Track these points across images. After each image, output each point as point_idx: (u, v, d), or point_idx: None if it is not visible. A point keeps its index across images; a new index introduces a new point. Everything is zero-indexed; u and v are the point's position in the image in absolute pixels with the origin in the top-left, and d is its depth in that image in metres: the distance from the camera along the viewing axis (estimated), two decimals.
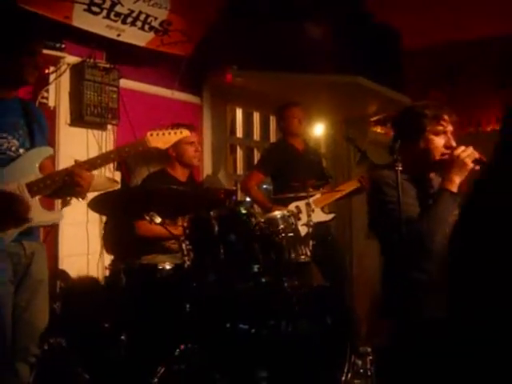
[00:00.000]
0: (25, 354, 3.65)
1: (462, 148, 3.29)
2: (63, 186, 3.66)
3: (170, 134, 3.93)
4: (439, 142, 3.38)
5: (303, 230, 5.60)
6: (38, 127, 3.77)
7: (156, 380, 4.18)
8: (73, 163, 3.77)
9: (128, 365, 4.35)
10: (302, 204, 5.94)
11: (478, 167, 3.26)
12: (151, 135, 3.86)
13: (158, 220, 4.26)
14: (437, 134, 3.38)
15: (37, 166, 3.65)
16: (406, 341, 3.29)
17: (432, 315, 3.14)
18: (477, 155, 3.26)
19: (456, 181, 3.25)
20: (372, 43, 8.26)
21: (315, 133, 7.58)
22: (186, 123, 5.42)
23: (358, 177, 6.32)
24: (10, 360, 3.60)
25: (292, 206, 6.02)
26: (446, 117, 3.40)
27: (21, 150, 3.64)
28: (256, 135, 8.09)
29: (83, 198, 3.85)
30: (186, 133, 4.03)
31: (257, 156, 7.97)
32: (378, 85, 7.83)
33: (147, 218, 4.26)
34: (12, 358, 3.61)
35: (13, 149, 3.62)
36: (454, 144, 3.37)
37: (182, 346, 4.22)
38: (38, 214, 3.61)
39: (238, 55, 6.90)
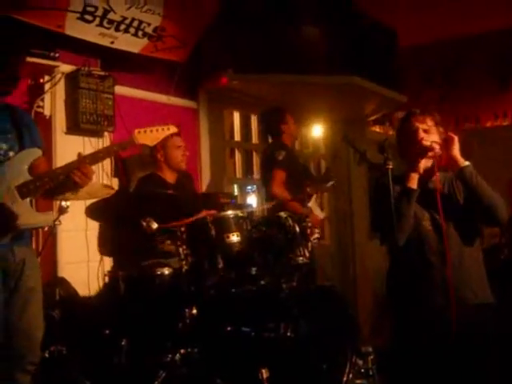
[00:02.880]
0: (22, 363, 3.64)
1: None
2: (60, 183, 3.65)
3: (157, 130, 3.93)
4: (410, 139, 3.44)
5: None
6: (26, 131, 3.77)
7: None
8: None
9: (129, 371, 4.36)
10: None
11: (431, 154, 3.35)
12: (139, 133, 3.87)
13: (155, 226, 4.28)
14: (406, 133, 3.47)
15: (26, 168, 3.64)
16: (407, 340, 3.33)
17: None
18: (426, 143, 3.35)
19: (410, 174, 3.35)
20: (368, 43, 8.26)
21: (314, 134, 7.60)
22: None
23: None
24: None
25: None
26: (412, 118, 3.48)
27: (10, 153, 3.65)
28: (254, 138, 8.08)
29: (77, 192, 3.82)
30: (173, 129, 4.02)
31: (256, 159, 7.96)
32: (374, 84, 7.83)
33: (144, 224, 4.27)
34: (10, 367, 3.60)
35: (1, 152, 3.63)
36: (420, 136, 3.41)
37: (183, 351, 4.24)
38: (27, 216, 3.60)
39: (233, 59, 6.91)
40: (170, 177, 5.36)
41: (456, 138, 3.30)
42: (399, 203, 3.24)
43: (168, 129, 3.99)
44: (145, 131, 3.89)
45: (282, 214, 4.80)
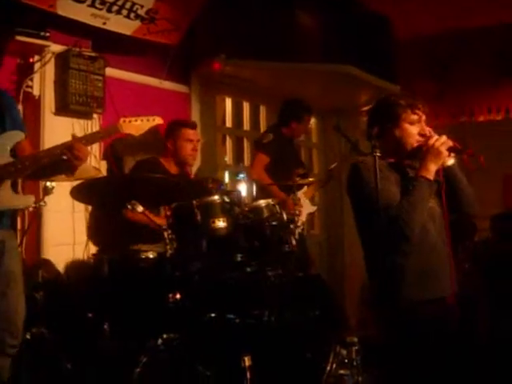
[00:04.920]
0: (2, 347, 3.62)
1: (436, 137, 3.33)
2: (55, 162, 3.60)
3: (142, 120, 3.90)
4: (413, 130, 3.42)
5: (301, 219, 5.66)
6: (7, 113, 3.72)
7: (139, 369, 4.17)
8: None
9: (111, 354, 4.33)
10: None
11: (452, 155, 3.33)
12: (124, 122, 3.84)
13: (140, 209, 4.23)
14: (411, 122, 3.43)
15: (8, 150, 3.59)
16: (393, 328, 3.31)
17: (412, 299, 3.25)
18: (451, 143, 3.31)
19: (431, 169, 3.29)
20: (363, 32, 8.22)
21: None
22: (188, 121, 5.42)
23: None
24: None
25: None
26: (420, 106, 3.45)
27: None
28: (246, 125, 8.04)
29: (73, 174, 3.78)
30: (158, 120, 3.99)
31: (247, 146, 7.93)
32: (368, 74, 7.79)
33: (129, 206, 4.22)
34: None
35: None
36: (427, 132, 3.42)
37: (165, 336, 4.21)
38: (7, 198, 3.55)
39: (227, 44, 6.86)
40: (173, 167, 5.32)
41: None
42: (421, 195, 3.27)
43: (153, 120, 3.96)
44: (129, 121, 3.86)
45: (270, 200, 4.78)
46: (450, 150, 3.31)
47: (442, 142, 3.29)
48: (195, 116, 7.01)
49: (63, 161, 3.60)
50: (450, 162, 3.37)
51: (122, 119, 3.84)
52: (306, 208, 6.20)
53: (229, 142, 7.88)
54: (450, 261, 3.35)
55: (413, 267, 3.28)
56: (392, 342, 3.36)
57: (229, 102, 7.85)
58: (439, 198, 3.37)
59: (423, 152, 3.34)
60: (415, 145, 3.41)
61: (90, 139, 3.82)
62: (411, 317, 3.24)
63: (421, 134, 3.41)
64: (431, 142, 3.32)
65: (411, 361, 3.23)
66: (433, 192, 3.31)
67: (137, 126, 3.88)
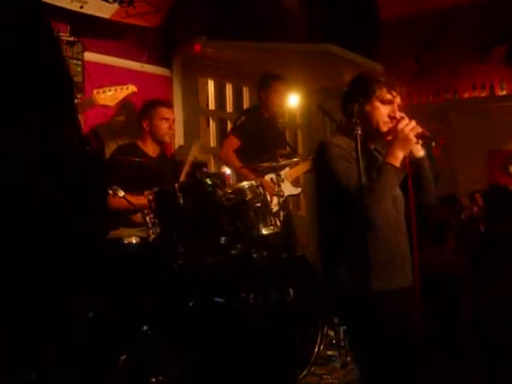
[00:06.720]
0: None
1: (405, 122, 3.19)
2: None
3: (116, 90, 3.83)
4: (384, 110, 3.28)
5: (274, 201, 5.58)
6: None
7: (124, 356, 4.15)
8: None
9: (96, 342, 4.29)
10: (273, 175, 5.88)
11: (420, 142, 3.20)
12: (98, 93, 3.77)
13: (121, 193, 4.19)
14: (383, 101, 3.28)
15: None
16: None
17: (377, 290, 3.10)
18: (420, 129, 3.18)
19: (399, 156, 3.15)
20: (346, 11, 8.17)
21: (290, 103, 7.50)
22: (163, 99, 5.34)
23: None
24: None
25: (268, 178, 5.99)
26: (397, 88, 3.30)
27: None
28: (229, 107, 7.97)
29: None
30: (132, 88, 3.92)
31: (230, 128, 7.87)
32: (352, 53, 7.73)
33: (110, 191, 4.18)
34: None
35: None
36: (398, 115, 3.26)
37: (150, 321, 4.18)
38: None
39: (208, 25, 6.77)
40: (152, 149, 5.24)
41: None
42: (387, 183, 3.15)
43: (127, 88, 3.90)
44: (104, 91, 3.80)
45: (253, 182, 4.73)
46: (418, 136, 3.17)
47: (410, 127, 3.16)
48: (177, 99, 6.94)
49: None
50: (421, 153, 3.27)
51: (95, 91, 3.78)
52: (287, 190, 6.15)
53: (212, 125, 7.81)
54: (414, 250, 3.27)
55: (377, 257, 3.15)
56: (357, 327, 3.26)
57: (211, 84, 7.77)
58: (403, 187, 3.27)
59: (391, 137, 3.23)
60: (384, 129, 3.27)
61: None
62: (376, 307, 3.08)
63: (391, 117, 3.27)
64: (400, 126, 3.18)
65: (376, 349, 3.13)
66: (399, 180, 3.18)
67: (111, 95, 3.83)
